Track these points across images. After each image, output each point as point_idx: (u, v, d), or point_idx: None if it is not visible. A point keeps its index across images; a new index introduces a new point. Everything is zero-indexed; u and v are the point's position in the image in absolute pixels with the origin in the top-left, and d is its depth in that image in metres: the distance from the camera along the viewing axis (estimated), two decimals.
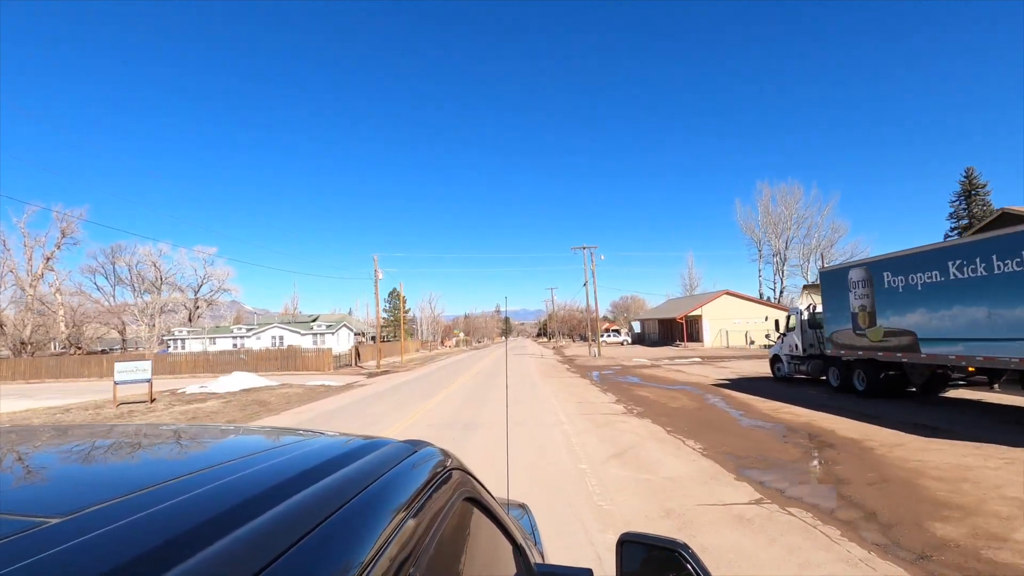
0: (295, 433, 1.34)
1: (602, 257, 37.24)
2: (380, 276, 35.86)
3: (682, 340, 49.56)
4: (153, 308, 65.46)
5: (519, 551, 1.42)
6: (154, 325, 61.67)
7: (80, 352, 43.26)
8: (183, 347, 57.01)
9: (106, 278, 66.08)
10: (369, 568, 0.60)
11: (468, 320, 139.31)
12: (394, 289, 70.41)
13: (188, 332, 58.20)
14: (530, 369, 29.69)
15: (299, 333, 57.12)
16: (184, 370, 34.70)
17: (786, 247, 55.41)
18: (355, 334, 65.89)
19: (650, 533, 1.32)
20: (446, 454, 1.22)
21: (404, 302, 73.34)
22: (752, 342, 45.42)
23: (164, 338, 58.21)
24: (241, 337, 57.71)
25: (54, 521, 0.57)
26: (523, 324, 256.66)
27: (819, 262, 50.05)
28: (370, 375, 31.85)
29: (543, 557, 1.95)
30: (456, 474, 1.14)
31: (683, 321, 47.00)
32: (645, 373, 24.57)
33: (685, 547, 1.22)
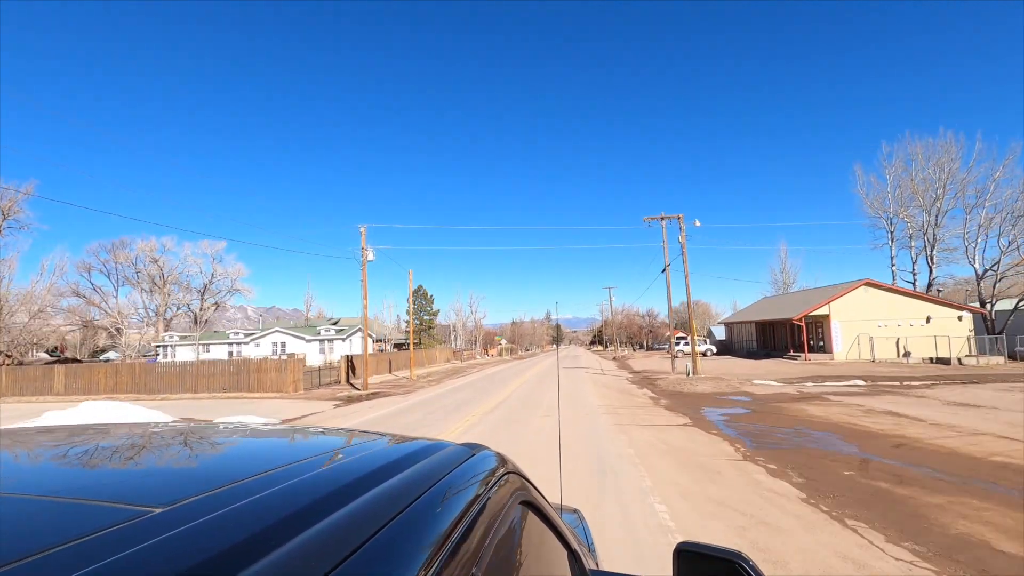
0: (359, 434, 1.37)
1: (696, 223, 24.72)
2: (370, 257, 25.10)
3: (798, 350, 35.96)
4: (139, 310, 58.14)
5: (574, 557, 1.41)
6: (148, 329, 54.10)
7: (9, 362, 35.17)
8: (173, 355, 48.75)
9: (107, 276, 59.56)
10: (433, 569, 0.62)
11: (515, 326, 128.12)
12: (419, 287, 60.15)
13: (180, 338, 49.96)
14: (587, 397, 17.80)
15: (304, 339, 47.61)
16: (101, 389, 25.18)
17: (936, 223, 40.59)
18: (376, 340, 55.95)
19: (708, 543, 1.28)
20: (503, 458, 1.23)
21: (431, 301, 62.74)
22: (907, 353, 31.44)
23: (155, 345, 50.34)
24: (238, 343, 48.91)
25: (157, 511, 0.62)
26: (575, 332, 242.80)
27: (1002, 240, 35.20)
28: (347, 401, 21.12)
29: (597, 564, 1.86)
30: (513, 478, 1.15)
31: (801, 324, 33.54)
32: (822, 418, 12.19)
33: (744, 558, 1.17)
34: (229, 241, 68.43)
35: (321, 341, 47.62)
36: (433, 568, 0.62)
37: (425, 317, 60.45)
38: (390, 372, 36.97)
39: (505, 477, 1.11)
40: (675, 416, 13.32)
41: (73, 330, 57.01)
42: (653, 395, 18.25)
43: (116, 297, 58.21)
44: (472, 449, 1.19)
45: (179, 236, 60.93)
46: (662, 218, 28.84)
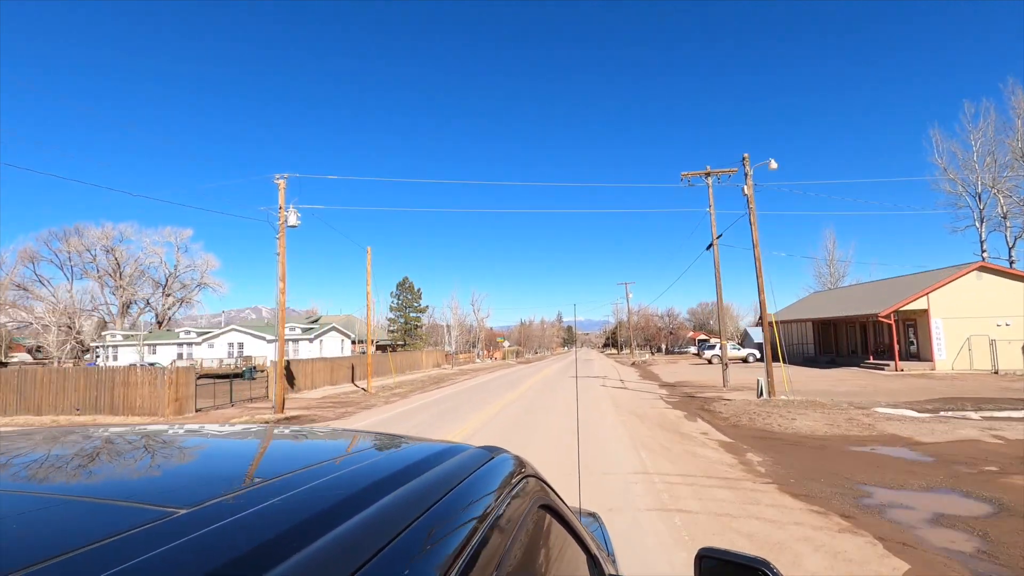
0: (379, 436, 1.37)
1: (773, 165, 16.59)
2: (292, 221, 17.54)
3: (880, 356, 27.73)
4: (99, 307, 51.41)
5: (593, 561, 1.39)
6: (85, 328, 47.22)
7: None
8: (114, 356, 41.75)
9: (60, 268, 52.96)
10: (455, 571, 0.62)
11: (523, 327, 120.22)
12: (405, 279, 52.27)
13: (123, 338, 42.94)
14: (608, 441, 9.93)
15: (264, 339, 40.32)
16: None
17: None
18: (355, 341, 48.48)
19: (730, 549, 1.23)
20: (522, 461, 1.21)
21: (419, 295, 54.42)
22: None
23: (94, 345, 43.43)
24: (189, 344, 41.83)
25: (182, 512, 0.64)
26: (587, 334, 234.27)
27: None
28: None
29: (616, 568, 1.79)
30: (532, 481, 1.14)
31: (889, 322, 25.24)
32: None
33: (769, 565, 1.13)
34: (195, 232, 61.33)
35: (285, 342, 40.26)
36: (454, 572, 0.61)
37: (411, 314, 52.53)
38: (352, 381, 29.40)
39: (524, 481, 1.09)
40: (828, 524, 5.42)
41: (19, 327, 50.40)
42: (726, 438, 10.29)
43: (71, 291, 51.62)
44: (491, 452, 1.18)
45: (140, 224, 54.17)
46: (707, 174, 20.85)
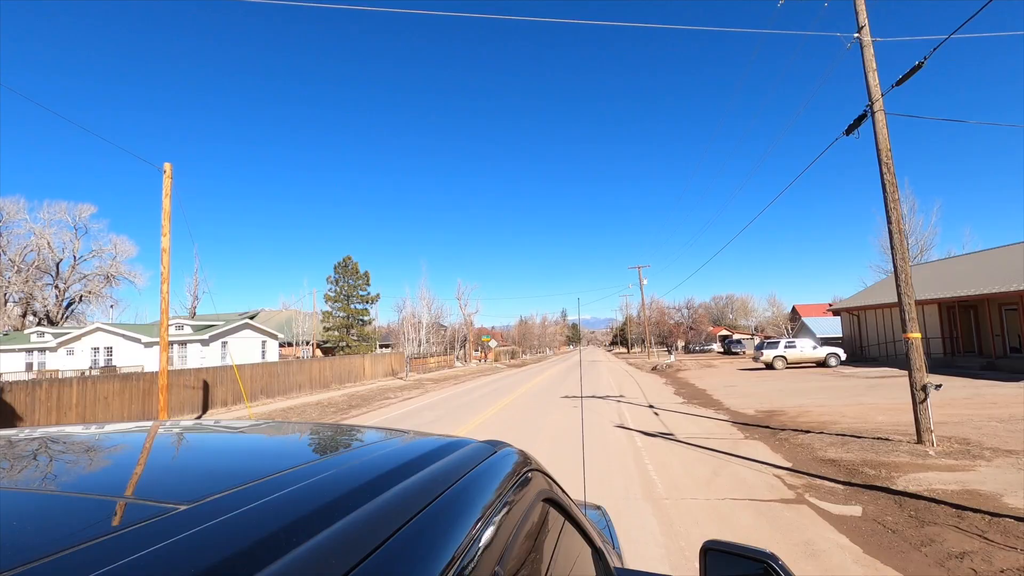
0: (381, 431, 1.35)
1: None
2: None
3: None
4: None
5: (598, 554, 1.39)
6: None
7: None
8: None
9: None
10: (456, 566, 0.62)
11: (522, 325, 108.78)
12: (347, 259, 40.46)
13: None
14: None
15: (140, 342, 29.07)
16: None
17: None
18: (286, 344, 37.24)
19: (736, 542, 1.23)
20: (525, 455, 1.21)
21: (365, 280, 41.46)
22: None
23: None
24: (43, 349, 30.71)
25: (182, 507, 0.63)
26: (593, 332, 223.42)
27: None
28: None
29: (621, 561, 1.82)
30: (536, 475, 1.13)
31: None
32: None
33: (774, 558, 1.13)
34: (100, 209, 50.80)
35: (170, 345, 29.08)
36: (455, 567, 0.61)
37: (355, 306, 40.92)
38: (202, 411, 18.09)
39: (528, 474, 1.08)
40: None
41: None
42: None
43: None
44: (494, 446, 1.16)
45: (29, 199, 43.22)
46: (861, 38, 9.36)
